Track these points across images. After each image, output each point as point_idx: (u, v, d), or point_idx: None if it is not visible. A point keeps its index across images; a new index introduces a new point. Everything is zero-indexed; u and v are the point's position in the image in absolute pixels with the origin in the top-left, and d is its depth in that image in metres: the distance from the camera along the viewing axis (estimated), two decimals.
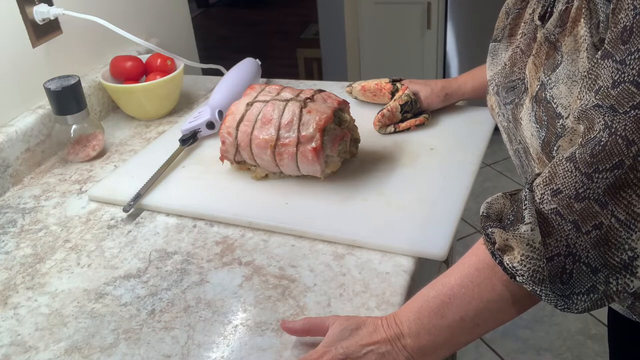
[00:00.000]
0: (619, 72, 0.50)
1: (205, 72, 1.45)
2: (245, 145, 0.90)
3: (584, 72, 0.55)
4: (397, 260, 0.76)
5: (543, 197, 0.53)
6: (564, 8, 0.61)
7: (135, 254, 0.82)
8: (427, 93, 1.06)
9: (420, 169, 0.94)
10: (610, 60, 0.51)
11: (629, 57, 0.49)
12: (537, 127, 0.63)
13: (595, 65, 0.53)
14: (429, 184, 0.89)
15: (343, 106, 0.92)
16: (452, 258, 1.08)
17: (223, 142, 0.92)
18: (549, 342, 1.85)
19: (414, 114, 1.05)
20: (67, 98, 1.00)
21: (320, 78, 3.24)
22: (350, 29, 2.80)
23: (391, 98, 1.07)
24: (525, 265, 0.52)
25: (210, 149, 1.05)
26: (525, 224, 0.53)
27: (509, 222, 0.56)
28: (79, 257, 0.83)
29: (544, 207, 0.53)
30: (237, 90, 1.13)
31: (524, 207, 0.54)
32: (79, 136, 1.04)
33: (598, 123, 0.50)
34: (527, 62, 0.69)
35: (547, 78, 0.62)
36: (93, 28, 1.14)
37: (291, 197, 0.89)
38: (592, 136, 0.51)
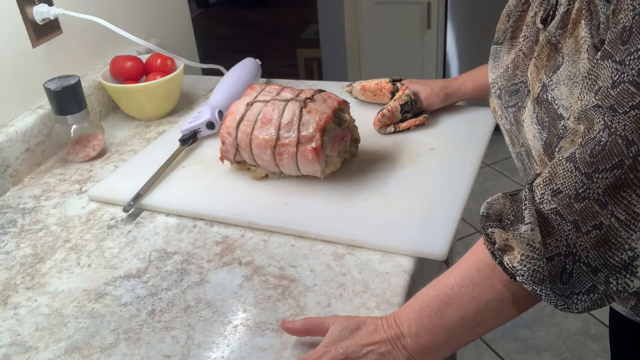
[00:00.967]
0: (619, 73, 0.50)
1: (205, 72, 1.45)
2: (245, 145, 0.90)
3: (585, 72, 0.55)
4: (397, 260, 0.76)
5: (543, 197, 0.53)
6: (565, 10, 0.62)
7: (135, 254, 0.82)
8: (427, 93, 1.06)
9: (420, 169, 0.94)
10: (609, 60, 0.51)
11: (629, 58, 0.49)
12: (538, 129, 0.63)
13: (595, 66, 0.53)
14: (429, 184, 0.89)
15: (343, 106, 0.92)
16: (452, 258, 1.08)
17: (223, 142, 0.92)
18: (549, 342, 1.85)
19: (414, 114, 1.05)
20: (67, 98, 1.00)
21: (320, 78, 3.24)
22: (350, 29, 2.80)
23: (391, 98, 1.07)
24: (525, 265, 0.52)
25: (210, 149, 1.05)
26: (525, 224, 0.53)
27: (509, 222, 0.56)
28: (79, 257, 0.83)
29: (544, 207, 0.53)
30: (237, 90, 1.13)
31: (523, 207, 0.54)
32: (79, 136, 1.04)
33: (598, 123, 0.51)
34: (529, 65, 0.69)
35: (549, 80, 0.62)
36: (93, 28, 1.14)
37: (291, 197, 0.89)
38: (592, 136, 0.51)
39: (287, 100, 0.89)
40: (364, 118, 1.03)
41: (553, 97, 0.61)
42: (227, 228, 0.86)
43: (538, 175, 0.56)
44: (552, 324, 1.90)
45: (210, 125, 1.06)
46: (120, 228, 0.88)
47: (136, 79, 1.19)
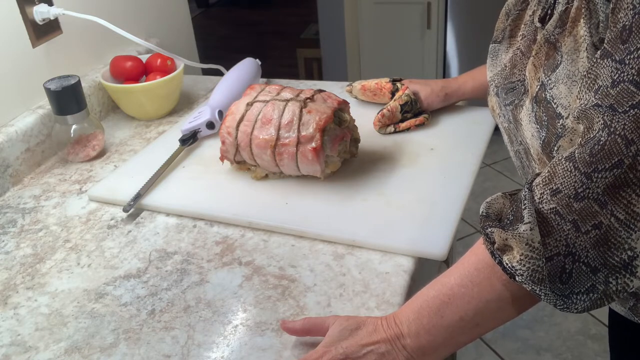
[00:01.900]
0: (618, 72, 0.50)
1: (205, 72, 1.45)
2: (245, 145, 0.90)
3: (584, 71, 0.55)
4: (397, 260, 0.76)
5: (542, 196, 0.53)
6: (563, 9, 0.61)
7: (135, 254, 0.82)
8: (427, 93, 1.06)
9: (420, 169, 0.94)
10: (609, 59, 0.51)
11: (628, 57, 0.49)
12: (537, 128, 0.63)
13: (595, 65, 0.53)
14: (429, 184, 0.89)
15: (343, 106, 0.92)
16: (452, 258, 1.08)
17: (223, 142, 0.92)
18: (549, 342, 1.85)
19: (414, 114, 1.05)
20: (67, 98, 1.00)
21: (320, 78, 3.24)
22: (350, 29, 2.80)
23: (391, 98, 1.08)
24: (524, 265, 0.52)
25: (210, 149, 1.05)
26: (525, 224, 0.53)
27: (508, 222, 0.56)
28: (79, 257, 0.83)
29: (543, 207, 0.53)
30: (237, 90, 1.13)
31: (523, 207, 0.54)
32: (79, 136, 1.04)
33: (597, 122, 0.50)
34: (527, 63, 0.69)
35: (547, 78, 0.62)
36: (93, 28, 1.14)
37: (291, 197, 0.89)
38: (592, 136, 0.51)
39: (287, 100, 0.89)
40: (364, 118, 1.03)
41: (552, 95, 0.61)
42: (227, 228, 0.86)
43: (537, 175, 0.56)
44: (552, 324, 1.90)
45: (210, 125, 1.06)
46: (120, 228, 0.88)
47: (136, 79, 1.19)
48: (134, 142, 1.14)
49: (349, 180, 0.92)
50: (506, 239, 0.54)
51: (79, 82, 1.02)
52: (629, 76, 0.49)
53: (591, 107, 0.52)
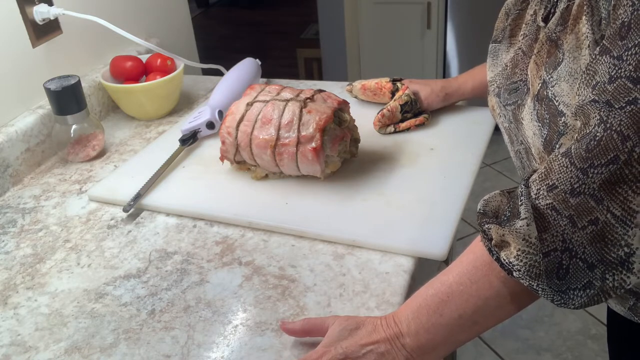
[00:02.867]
0: (616, 68, 0.50)
1: (205, 72, 1.45)
2: (245, 145, 0.90)
3: (584, 68, 0.55)
4: (397, 260, 0.76)
5: (539, 192, 0.53)
6: (565, 6, 0.61)
7: (135, 254, 0.82)
8: (427, 93, 1.06)
9: (420, 169, 0.94)
10: (607, 56, 0.51)
11: (626, 53, 0.49)
12: (539, 126, 0.63)
13: (594, 61, 0.53)
14: (429, 184, 0.89)
15: (343, 106, 0.92)
16: (452, 258, 1.08)
17: (223, 142, 0.92)
18: (549, 342, 1.85)
19: (414, 114, 1.05)
20: (67, 98, 1.00)
21: (320, 78, 3.24)
22: (350, 29, 2.80)
23: (391, 97, 1.08)
24: (521, 260, 0.52)
25: (210, 149, 1.05)
26: (521, 219, 0.53)
27: (505, 218, 0.56)
28: (79, 257, 0.83)
29: (539, 203, 0.53)
30: (237, 90, 1.13)
31: (519, 203, 0.54)
32: (79, 136, 1.04)
33: (593, 118, 0.51)
34: (528, 63, 0.69)
35: (549, 76, 0.62)
36: (93, 28, 1.14)
37: (291, 197, 0.89)
38: (588, 131, 0.51)
39: (287, 100, 0.89)
40: (364, 118, 1.03)
41: (553, 93, 0.61)
42: (227, 228, 0.86)
43: (534, 171, 0.56)
44: (552, 324, 1.90)
45: (210, 125, 1.06)
46: (120, 228, 0.88)
47: (136, 79, 1.19)
48: (134, 142, 1.14)
49: (349, 180, 0.92)
50: (503, 235, 0.54)
51: (79, 82, 1.02)
52: (626, 72, 0.49)
53: (588, 103, 0.52)
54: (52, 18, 1.10)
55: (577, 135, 0.52)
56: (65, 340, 0.69)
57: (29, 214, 0.93)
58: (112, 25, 1.12)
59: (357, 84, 1.13)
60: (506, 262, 0.54)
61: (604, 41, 0.53)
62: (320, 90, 0.93)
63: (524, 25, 0.73)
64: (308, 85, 1.25)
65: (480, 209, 0.59)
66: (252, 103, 0.91)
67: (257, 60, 1.25)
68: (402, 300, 0.71)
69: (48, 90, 1.00)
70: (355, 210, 0.85)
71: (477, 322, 0.58)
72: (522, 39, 0.72)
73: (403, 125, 1.04)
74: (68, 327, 0.71)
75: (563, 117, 0.59)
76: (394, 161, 0.96)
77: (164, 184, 0.95)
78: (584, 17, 0.57)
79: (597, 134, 0.50)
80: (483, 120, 1.06)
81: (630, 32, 0.49)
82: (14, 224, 0.91)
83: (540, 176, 0.54)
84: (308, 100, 0.89)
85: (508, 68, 0.74)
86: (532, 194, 0.54)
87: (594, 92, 0.52)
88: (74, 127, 1.03)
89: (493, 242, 0.55)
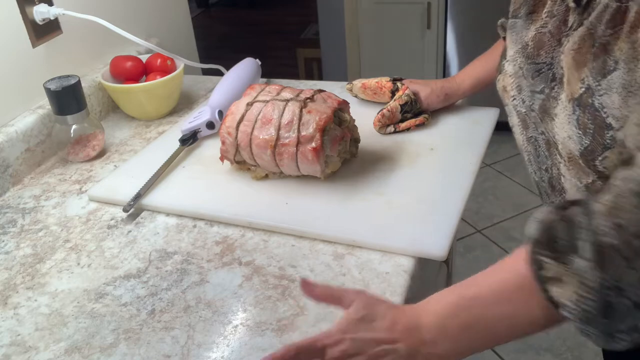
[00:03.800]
0: None
1: (205, 72, 1.45)
2: (245, 145, 0.90)
3: None
4: (397, 260, 0.76)
5: (604, 229, 0.50)
6: (616, 7, 0.57)
7: (135, 254, 0.82)
8: (427, 93, 1.06)
9: (420, 169, 0.94)
10: None
11: None
12: (579, 134, 0.59)
13: None
14: (429, 184, 0.89)
15: (343, 106, 0.92)
16: (452, 258, 1.08)
17: (223, 142, 0.92)
18: (549, 342, 1.85)
19: (414, 114, 1.05)
20: (67, 98, 1.00)
21: (320, 78, 3.24)
22: (350, 29, 2.80)
23: (391, 97, 1.08)
24: (578, 306, 0.50)
25: (210, 149, 1.05)
26: (584, 260, 0.50)
27: (561, 250, 0.52)
28: (79, 257, 0.83)
29: (603, 240, 0.49)
30: (237, 90, 1.13)
31: (579, 235, 0.50)
32: (79, 136, 1.04)
33: None
34: (556, 47, 0.65)
35: (596, 83, 0.57)
36: (93, 28, 1.14)
37: (291, 197, 0.89)
38: None
39: (287, 100, 0.89)
40: (364, 118, 1.03)
41: (601, 103, 0.56)
42: (227, 228, 0.86)
43: (595, 199, 0.52)
44: None
45: (210, 125, 1.06)
46: (120, 228, 0.88)
47: (136, 79, 1.19)
48: (134, 142, 1.14)
49: (349, 180, 0.92)
50: (562, 275, 0.51)
51: (79, 82, 1.02)
52: None
53: None
54: (52, 18, 1.10)
55: None
56: (65, 340, 0.69)
57: (29, 214, 0.93)
58: (112, 25, 1.12)
59: (358, 83, 1.14)
60: (558, 300, 0.51)
61: None
62: (320, 90, 0.93)
63: (550, 2, 0.68)
64: (308, 85, 1.25)
65: (534, 235, 0.55)
66: (252, 103, 0.91)
67: (257, 60, 1.25)
68: (402, 301, 0.71)
69: (48, 90, 1.00)
70: (355, 210, 0.85)
71: (502, 339, 0.57)
72: (547, 17, 0.67)
73: (403, 125, 1.04)
74: (68, 327, 0.71)
75: (611, 131, 0.55)
76: (394, 161, 0.96)
77: (164, 184, 0.95)
78: None
79: None
80: (483, 120, 1.06)
81: None
82: (14, 224, 0.91)
83: (608, 211, 0.50)
84: (308, 100, 0.89)
85: (529, 47, 0.69)
86: (596, 229, 0.50)
87: None
88: (74, 127, 1.03)
89: (544, 273, 0.52)
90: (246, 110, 0.91)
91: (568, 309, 0.51)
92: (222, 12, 5.63)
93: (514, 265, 0.56)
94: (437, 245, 0.77)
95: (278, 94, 0.92)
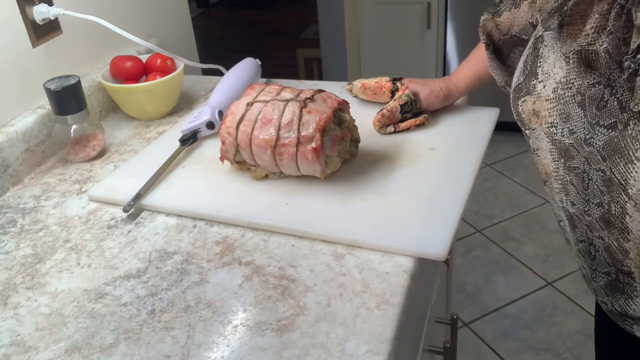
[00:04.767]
0: None
1: (205, 72, 1.45)
2: (245, 145, 0.90)
3: None
4: (397, 260, 0.76)
5: None
6: None
7: (135, 254, 0.82)
8: (427, 93, 1.06)
9: (420, 169, 0.94)
10: None
11: None
12: None
13: None
14: (429, 184, 0.89)
15: (343, 106, 0.92)
16: (452, 258, 1.08)
17: (223, 142, 0.92)
18: (549, 342, 1.85)
19: (414, 114, 1.05)
20: (67, 98, 1.00)
21: (320, 78, 3.24)
22: (350, 29, 2.80)
23: (391, 97, 1.08)
24: None
25: (210, 149, 1.05)
26: None
27: None
28: (79, 257, 0.83)
29: None
30: (237, 90, 1.13)
31: None
32: (79, 136, 1.04)
33: None
34: (615, 69, 0.57)
35: None
36: (93, 28, 1.14)
37: (291, 197, 0.89)
38: None
39: (287, 100, 0.89)
40: (364, 118, 1.03)
41: None
42: (227, 228, 0.86)
43: None
44: (552, 324, 1.90)
45: (210, 125, 1.06)
46: (120, 228, 0.88)
47: (136, 79, 1.19)
48: (134, 142, 1.14)
49: (349, 180, 0.92)
50: None
51: (79, 82, 1.02)
52: None
53: None
54: (52, 18, 1.10)
55: None
56: (65, 340, 0.69)
57: (29, 214, 0.93)
58: (112, 25, 1.12)
59: (357, 83, 1.14)
60: None
61: None
62: (320, 90, 0.93)
63: (595, 15, 0.59)
64: (308, 85, 1.25)
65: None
66: (252, 103, 0.91)
67: (257, 60, 1.25)
68: (402, 300, 0.71)
69: (48, 90, 1.00)
70: (355, 210, 0.85)
71: None
72: (596, 34, 0.58)
73: (403, 125, 1.04)
74: (68, 327, 0.71)
75: None
76: (394, 161, 0.96)
77: (164, 184, 0.95)
78: None
79: None
80: (483, 120, 1.06)
81: None
82: (14, 224, 0.91)
83: None
84: (308, 100, 0.89)
85: (571, 63, 0.60)
86: None
87: None
88: (74, 127, 1.03)
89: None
90: (246, 110, 0.91)
91: None
92: (222, 12, 5.63)
93: None
94: (437, 245, 0.77)
95: (278, 94, 0.92)
